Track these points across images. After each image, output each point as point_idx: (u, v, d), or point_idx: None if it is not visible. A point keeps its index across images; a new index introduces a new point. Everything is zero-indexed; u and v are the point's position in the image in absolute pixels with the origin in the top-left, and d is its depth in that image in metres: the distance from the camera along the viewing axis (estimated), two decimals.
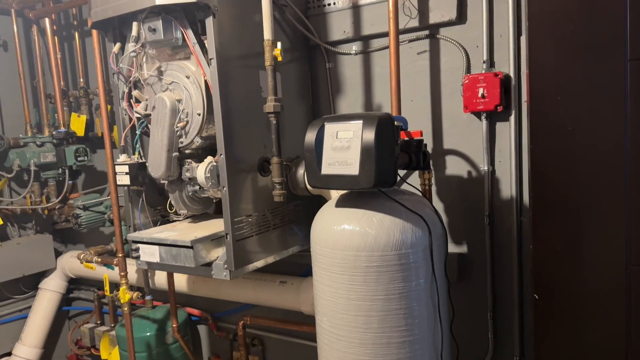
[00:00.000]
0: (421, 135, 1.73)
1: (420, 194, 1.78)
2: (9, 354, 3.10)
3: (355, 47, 2.13)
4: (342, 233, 1.49)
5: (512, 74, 1.83)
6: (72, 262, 3.08)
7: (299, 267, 2.32)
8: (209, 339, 2.79)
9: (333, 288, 1.55)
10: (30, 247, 3.11)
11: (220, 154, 1.79)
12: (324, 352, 1.64)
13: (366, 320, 1.49)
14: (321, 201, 1.87)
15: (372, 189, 1.47)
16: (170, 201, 2.08)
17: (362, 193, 1.56)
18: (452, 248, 1.99)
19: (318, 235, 1.59)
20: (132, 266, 2.41)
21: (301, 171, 1.99)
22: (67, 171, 2.91)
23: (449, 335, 1.67)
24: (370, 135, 1.42)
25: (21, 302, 3.18)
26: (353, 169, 1.45)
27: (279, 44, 1.75)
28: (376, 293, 1.47)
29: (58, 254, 3.22)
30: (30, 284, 3.18)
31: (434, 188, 1.98)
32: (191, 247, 1.84)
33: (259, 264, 1.97)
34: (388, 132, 1.47)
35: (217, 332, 2.71)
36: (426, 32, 1.97)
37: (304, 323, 2.30)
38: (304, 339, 2.40)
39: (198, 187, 1.95)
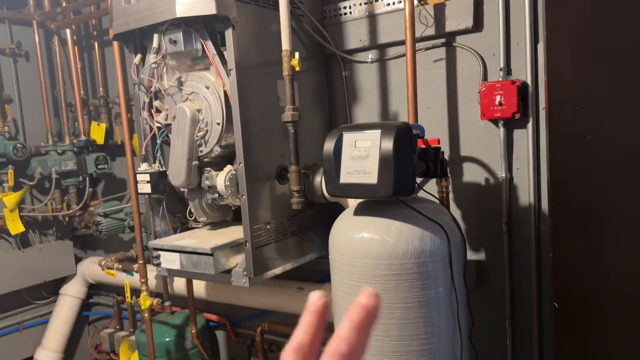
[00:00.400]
0: (438, 143, 1.74)
1: (438, 201, 1.79)
2: (31, 358, 3.15)
3: (371, 55, 2.15)
4: (361, 241, 1.51)
5: (529, 82, 1.83)
6: (92, 268, 3.13)
7: (316, 274, 2.34)
8: (227, 345, 2.82)
9: (351, 296, 1.56)
10: (51, 254, 3.17)
11: (240, 163, 1.81)
12: None
13: (385, 329, 1.50)
14: (339, 209, 1.89)
15: (390, 197, 1.48)
16: (190, 209, 2.11)
17: (381, 201, 1.57)
18: (470, 255, 1.99)
19: (336, 243, 1.60)
20: (151, 272, 2.44)
21: (318, 179, 2.01)
22: (87, 179, 2.96)
23: (468, 343, 1.68)
24: (388, 145, 1.43)
25: (42, 308, 3.23)
26: (371, 178, 1.46)
27: (296, 54, 1.78)
28: (395, 301, 1.48)
29: (78, 260, 3.28)
30: (51, 289, 3.23)
31: (451, 195, 1.98)
32: (211, 255, 1.86)
33: (277, 270, 1.99)
34: (406, 140, 1.48)
35: (235, 337, 2.73)
36: (442, 40, 1.98)
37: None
38: (322, 346, 2.41)
39: (217, 195, 1.98)
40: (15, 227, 2.92)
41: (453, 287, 1.55)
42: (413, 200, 1.60)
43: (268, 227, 1.93)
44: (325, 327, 0.42)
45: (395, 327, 1.49)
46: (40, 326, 3.19)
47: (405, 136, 1.48)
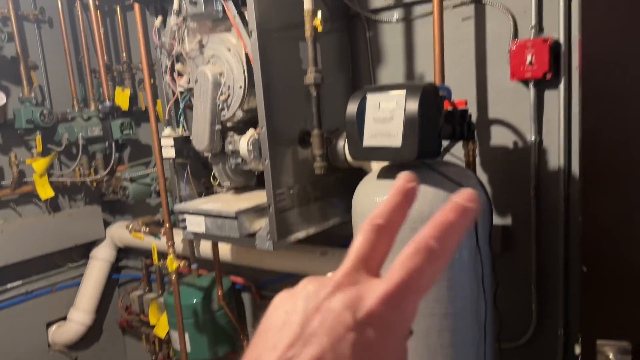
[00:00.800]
0: (466, 104, 1.69)
1: (464, 165, 1.75)
2: (64, 318, 3.27)
3: (396, 14, 2.08)
4: None
5: (562, 40, 1.75)
6: (120, 232, 3.20)
7: (339, 238, 2.34)
8: (253, 307, 2.87)
9: None
10: (80, 218, 3.25)
11: (262, 127, 1.80)
12: None
13: None
14: (362, 174, 1.87)
15: (415, 160, 1.46)
16: (213, 173, 2.12)
17: (405, 165, 1.54)
18: (497, 220, 1.95)
19: (360, 208, 1.59)
20: (178, 236, 2.48)
21: (341, 143, 1.98)
22: (113, 144, 2.99)
23: (493, 307, 1.66)
24: (413, 106, 1.39)
25: (74, 270, 3.33)
26: (395, 141, 1.43)
27: (319, 13, 1.73)
28: None
29: (107, 224, 3.35)
30: (82, 253, 3.33)
31: (478, 159, 1.93)
32: (235, 218, 1.88)
33: (301, 235, 2.00)
34: (432, 102, 1.44)
35: (261, 300, 2.78)
36: None
37: None
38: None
39: (240, 159, 1.98)
40: (45, 192, 2.99)
41: (478, 252, 1.53)
42: (438, 164, 1.57)
43: (291, 191, 1.92)
44: (407, 214, 0.39)
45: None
46: (73, 288, 3.30)
47: (431, 97, 1.44)
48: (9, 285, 3.04)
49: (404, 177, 0.40)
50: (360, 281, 0.35)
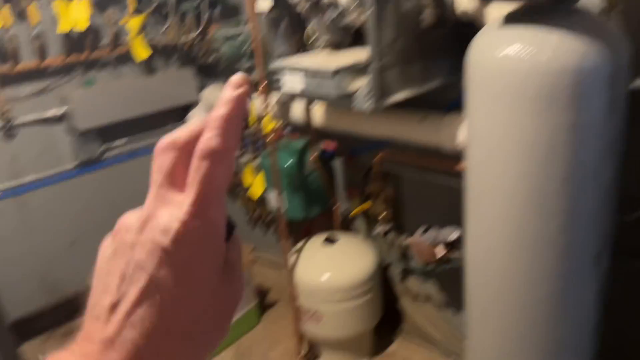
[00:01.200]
0: None
1: (603, 15, 1.49)
2: None
3: None
4: (509, 56, 1.32)
5: None
6: (214, 95, 3.23)
7: (441, 102, 2.19)
8: (344, 172, 2.88)
9: (490, 120, 1.42)
10: (174, 81, 3.30)
11: None
12: (472, 181, 1.57)
13: (527, 156, 1.37)
14: (474, 30, 1.66)
15: (549, 5, 1.24)
16: (309, 29, 2.00)
17: (534, 11, 1.33)
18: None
19: (478, 61, 1.42)
20: (272, 99, 2.45)
21: None
22: (205, 3, 2.90)
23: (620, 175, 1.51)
24: None
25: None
26: None
27: None
28: (542, 124, 1.33)
29: (201, 88, 3.38)
30: (178, 115, 3.43)
31: (619, 6, 1.65)
32: (333, 76, 1.78)
33: (401, 96, 1.87)
34: None
35: (352, 165, 2.77)
36: None
37: (443, 159, 2.23)
38: (440, 176, 2.37)
39: (338, 13, 1.82)
40: (141, 52, 3.02)
41: (611, 114, 1.35)
42: (574, 11, 1.34)
43: (394, 48, 1.77)
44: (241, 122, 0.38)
45: (538, 155, 1.36)
46: None
47: None
48: (113, 144, 3.23)
49: (231, 84, 0.39)
50: (170, 200, 0.36)
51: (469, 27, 1.80)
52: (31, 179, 2.93)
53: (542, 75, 1.27)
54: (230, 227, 0.40)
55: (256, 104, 2.58)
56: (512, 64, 1.31)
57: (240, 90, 0.38)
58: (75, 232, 3.15)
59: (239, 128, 0.38)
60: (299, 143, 2.69)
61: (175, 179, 0.37)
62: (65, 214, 3.09)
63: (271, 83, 2.19)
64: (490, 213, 1.51)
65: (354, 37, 2.05)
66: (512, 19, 1.37)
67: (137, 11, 2.96)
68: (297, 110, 2.62)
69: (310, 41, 2.05)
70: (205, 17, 2.90)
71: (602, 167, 1.40)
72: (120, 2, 2.98)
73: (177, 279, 0.35)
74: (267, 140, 2.33)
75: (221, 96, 0.38)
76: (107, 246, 0.38)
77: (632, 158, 1.57)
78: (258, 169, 3.12)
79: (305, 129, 2.67)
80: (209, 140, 0.36)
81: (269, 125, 2.24)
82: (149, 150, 3.38)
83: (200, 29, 2.91)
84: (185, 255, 0.35)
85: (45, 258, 3.05)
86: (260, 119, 2.48)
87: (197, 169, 0.36)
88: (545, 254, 1.45)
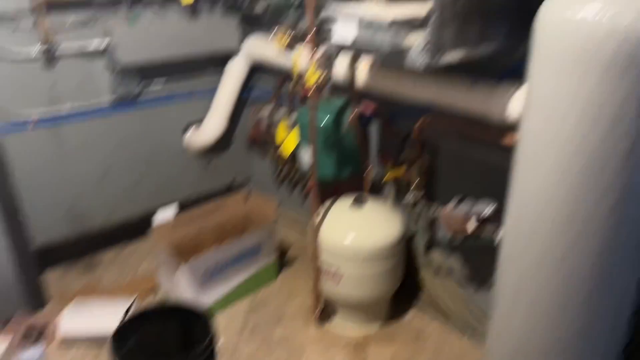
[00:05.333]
0: None
1: None
2: (201, 120, 3.47)
3: None
4: (584, 18, 1.24)
5: None
6: (257, 46, 3.18)
7: (494, 71, 2.11)
8: (381, 136, 2.82)
9: (555, 86, 1.35)
10: (218, 27, 3.25)
11: None
12: (524, 152, 1.51)
13: (590, 127, 1.30)
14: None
15: None
16: None
17: None
18: None
19: (550, 20, 1.34)
20: (318, 52, 2.38)
21: None
22: None
23: None
24: None
25: (211, 80, 3.43)
26: None
27: None
28: (612, 95, 1.25)
29: (242, 38, 3.33)
30: (219, 63, 3.39)
31: None
32: (390, 27, 1.71)
33: (456, 55, 1.80)
34: None
35: (389, 130, 2.71)
36: None
37: (488, 130, 2.15)
38: (481, 148, 2.30)
39: None
40: None
41: None
42: None
43: (455, 4, 1.69)
44: None
45: (604, 128, 1.29)
46: (209, 97, 3.44)
47: None
48: (151, 84, 3.21)
49: None
50: None
51: None
52: (68, 110, 2.94)
53: (621, 40, 1.20)
54: None
55: (300, 56, 2.52)
56: (588, 26, 1.24)
57: None
58: (106, 167, 3.17)
59: None
60: (338, 102, 2.64)
61: None
62: (98, 148, 3.11)
63: (320, 34, 2.12)
64: (541, 186, 1.45)
65: None
66: None
67: None
68: (340, 66, 2.55)
69: None
70: None
71: None
72: None
73: None
74: (309, 94, 2.27)
75: None
76: None
77: None
78: (292, 125, 3.09)
79: (346, 87, 2.61)
80: None
81: (313, 77, 2.19)
82: (186, 94, 3.37)
83: None
84: None
85: (74, 189, 3.09)
86: (301, 73, 2.42)
87: None
88: (593, 232, 1.40)
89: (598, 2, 1.23)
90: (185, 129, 3.48)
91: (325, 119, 2.56)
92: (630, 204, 1.36)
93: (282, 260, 3.29)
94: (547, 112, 1.39)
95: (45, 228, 3.02)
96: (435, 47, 1.70)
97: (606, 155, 1.30)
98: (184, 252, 2.77)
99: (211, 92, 3.43)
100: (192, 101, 3.41)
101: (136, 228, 3.39)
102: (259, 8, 3.08)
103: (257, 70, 3.45)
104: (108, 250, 3.44)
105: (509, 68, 2.00)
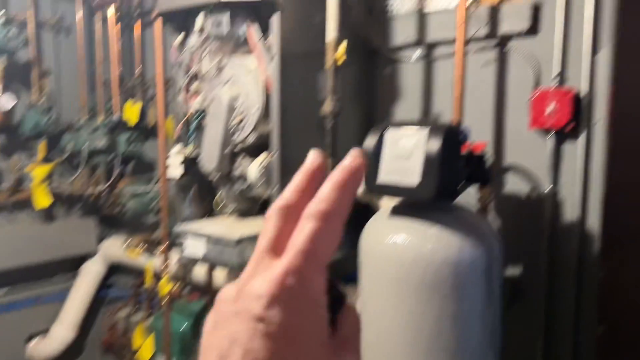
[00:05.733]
0: (484, 148, 1.65)
1: (477, 210, 1.70)
2: (47, 331, 3.16)
3: (417, 52, 2.07)
4: (396, 245, 1.43)
5: (585, 92, 1.73)
6: (114, 248, 3.12)
7: (340, 273, 2.26)
8: None
9: (381, 302, 1.48)
10: (74, 230, 3.18)
11: (275, 152, 1.76)
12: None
13: (414, 340, 1.42)
14: (370, 211, 1.82)
15: (431, 201, 1.41)
16: (218, 196, 2.07)
17: (419, 205, 1.49)
18: (507, 270, 1.89)
19: (368, 246, 1.53)
20: (173, 257, 2.41)
21: None
22: (117, 158, 2.94)
23: None
24: (435, 145, 1.35)
25: (62, 284, 3.23)
26: (413, 179, 1.38)
27: (344, 43, 1.71)
28: (427, 311, 1.41)
29: (101, 239, 3.26)
30: (72, 266, 3.23)
31: (491, 204, 1.89)
32: (237, 245, 1.81)
33: None
34: (454, 143, 1.40)
35: None
36: (495, 41, 1.89)
37: None
38: None
39: (247, 185, 1.93)
40: (41, 200, 2.92)
41: (489, 303, 1.47)
42: (454, 207, 1.52)
43: None
44: (314, 194, 0.37)
45: (426, 339, 1.42)
46: (58, 302, 3.19)
47: (453, 138, 1.40)
48: None
49: (311, 158, 0.40)
50: (268, 266, 0.34)
51: (368, 207, 1.97)
52: None
53: (426, 264, 1.38)
54: (340, 298, 0.37)
55: (156, 262, 2.52)
56: (398, 252, 1.42)
57: (359, 161, 0.38)
58: None
59: (352, 198, 0.37)
60: (197, 305, 2.60)
61: (280, 244, 0.36)
62: None
63: (174, 243, 2.17)
64: None
65: (261, 206, 2.14)
66: (399, 209, 1.52)
67: (46, 160, 2.93)
68: (198, 271, 2.57)
69: (219, 208, 2.11)
70: (117, 171, 2.92)
71: (483, 353, 1.48)
72: (30, 146, 2.95)
73: (274, 350, 0.32)
74: (162, 302, 2.23)
75: (341, 163, 0.38)
76: (209, 319, 0.36)
77: (512, 344, 1.68)
78: (150, 331, 2.93)
79: (206, 289, 2.60)
80: (318, 202, 0.35)
81: (166, 287, 2.17)
82: (31, 300, 3.10)
83: (109, 182, 2.91)
84: (281, 322, 0.32)
85: None
86: (158, 278, 2.40)
87: (300, 229, 0.35)
88: None
89: (404, 233, 1.43)
90: (29, 339, 3.12)
91: (182, 325, 2.48)
92: None
93: None
94: (377, 324, 1.50)
95: None
96: None
97: None
98: None
99: (61, 295, 3.19)
100: (39, 307, 3.13)
101: None
102: (118, 211, 3.10)
103: (115, 270, 3.33)
104: None
105: (354, 272, 2.17)
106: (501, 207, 1.92)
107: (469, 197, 1.78)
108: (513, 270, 1.91)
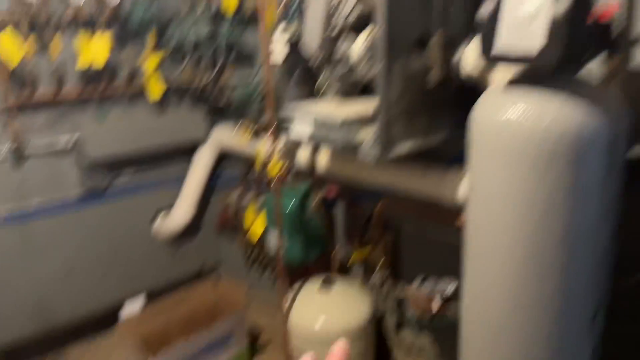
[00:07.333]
0: (614, 14, 1.48)
1: (603, 85, 1.57)
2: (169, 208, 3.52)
3: None
4: (512, 119, 1.37)
5: None
6: (223, 135, 3.31)
7: (444, 156, 2.25)
8: (345, 218, 2.91)
9: (491, 179, 1.47)
10: (184, 119, 3.38)
11: (379, 26, 1.69)
12: (471, 237, 1.60)
13: (525, 216, 1.41)
14: (478, 91, 1.73)
15: (552, 72, 1.31)
16: (320, 79, 2.08)
17: (538, 77, 1.40)
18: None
19: (482, 122, 1.48)
20: (279, 142, 2.51)
21: (461, 54, 1.84)
22: (221, 48, 3.01)
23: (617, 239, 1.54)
24: (562, 7, 1.23)
25: (179, 170, 3.52)
26: (535, 44, 1.29)
27: None
28: (540, 187, 1.37)
29: (210, 127, 3.46)
30: (186, 153, 3.49)
31: (619, 79, 1.72)
32: (341, 126, 1.84)
33: (405, 148, 1.93)
34: (582, 6, 1.27)
35: (353, 212, 2.80)
36: None
37: (442, 212, 2.27)
38: (438, 229, 2.40)
39: (348, 68, 1.91)
40: (155, 89, 3.11)
41: (609, 180, 1.40)
42: (576, 80, 1.42)
43: (402, 101, 1.84)
44: None
45: (536, 217, 1.39)
46: (177, 186, 3.51)
47: (583, 2, 1.27)
48: (120, 175, 3.28)
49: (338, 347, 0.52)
50: None
51: (476, 87, 1.89)
52: (36, 206, 2.95)
53: (542, 139, 1.33)
54: None
55: (263, 147, 2.64)
56: (513, 127, 1.37)
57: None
58: (73, 261, 3.15)
59: None
60: (301, 187, 2.74)
61: None
62: (65, 243, 3.10)
63: (280, 127, 2.25)
64: (488, 270, 1.53)
65: (364, 86, 2.13)
66: (515, 82, 1.44)
67: (156, 49, 3.07)
68: (302, 155, 2.67)
69: (322, 90, 2.13)
70: (220, 61, 3.00)
71: (598, 230, 1.44)
72: (140, 40, 3.10)
73: None
74: (273, 182, 2.37)
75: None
76: None
77: (631, 223, 1.61)
78: (260, 210, 3.16)
79: (308, 173, 2.72)
80: None
81: (275, 167, 2.29)
82: (154, 184, 3.43)
83: (215, 72, 3.01)
84: None
85: (40, 286, 3.04)
86: (265, 161, 2.53)
87: None
88: (541, 314, 1.46)
89: (521, 105, 1.37)
90: (154, 217, 3.51)
91: (290, 205, 2.64)
92: (573, 286, 1.44)
93: (254, 346, 3.24)
94: (486, 200, 1.50)
95: (9, 326, 2.94)
96: (385, 142, 1.82)
97: (542, 240, 1.40)
98: (151, 346, 2.72)
99: (179, 180, 3.50)
100: (160, 190, 3.47)
101: (104, 321, 3.31)
102: (225, 101, 3.23)
103: (224, 157, 3.56)
104: (75, 345, 3.34)
105: (457, 155, 2.15)
106: (630, 82, 1.74)
107: (593, 73, 1.64)
108: (638, 149, 1.78)
